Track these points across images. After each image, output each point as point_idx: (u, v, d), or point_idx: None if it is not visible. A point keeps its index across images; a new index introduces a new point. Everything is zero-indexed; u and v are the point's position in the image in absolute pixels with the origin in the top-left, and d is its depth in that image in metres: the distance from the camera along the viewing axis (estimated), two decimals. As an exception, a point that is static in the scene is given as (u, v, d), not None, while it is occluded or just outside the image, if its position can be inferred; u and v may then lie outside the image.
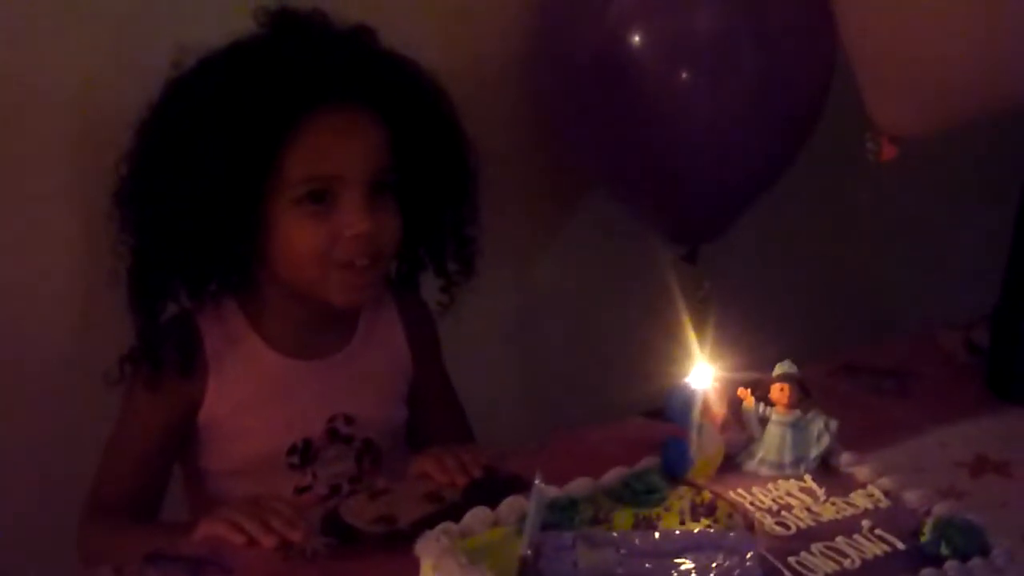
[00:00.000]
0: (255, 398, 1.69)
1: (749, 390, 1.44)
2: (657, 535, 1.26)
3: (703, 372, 1.39)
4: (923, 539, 1.28)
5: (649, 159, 2.10)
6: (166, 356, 1.65)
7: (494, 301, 1.85)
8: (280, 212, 1.60)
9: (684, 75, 2.03)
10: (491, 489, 1.44)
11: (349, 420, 1.72)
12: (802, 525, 1.31)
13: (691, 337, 1.42)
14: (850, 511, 1.35)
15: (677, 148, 2.07)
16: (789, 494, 1.37)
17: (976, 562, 1.25)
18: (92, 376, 1.68)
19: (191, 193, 1.57)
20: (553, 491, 1.32)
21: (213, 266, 1.66)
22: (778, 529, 1.31)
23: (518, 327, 2.35)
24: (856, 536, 1.29)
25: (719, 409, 1.40)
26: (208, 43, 1.62)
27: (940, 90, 1.67)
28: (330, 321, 1.71)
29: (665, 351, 1.44)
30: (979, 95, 1.66)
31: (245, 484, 1.66)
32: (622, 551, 1.23)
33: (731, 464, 1.43)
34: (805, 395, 1.43)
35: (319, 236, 1.60)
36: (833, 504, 1.36)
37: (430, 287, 1.80)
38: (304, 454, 1.70)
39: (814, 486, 1.39)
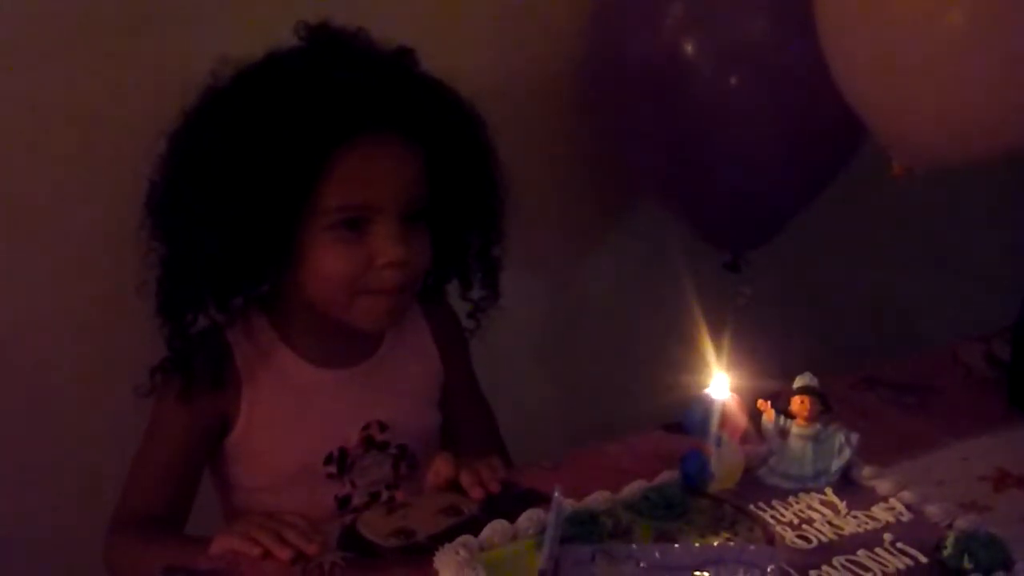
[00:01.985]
0: (289, 410, 1.69)
1: (769, 402, 1.43)
2: (677, 548, 1.26)
3: (723, 384, 1.38)
4: (945, 553, 1.27)
5: (699, 166, 2.11)
6: (198, 369, 1.64)
7: (528, 309, 1.85)
8: (313, 236, 1.59)
9: (734, 83, 2.03)
10: (509, 502, 1.44)
11: (383, 427, 1.72)
12: (823, 539, 1.31)
13: (716, 349, 1.41)
14: (872, 525, 1.34)
15: (727, 155, 2.07)
16: (810, 507, 1.37)
17: (999, 576, 1.25)
18: (120, 386, 1.68)
19: (225, 209, 1.56)
20: (572, 504, 1.32)
21: (241, 281, 1.66)
22: (799, 543, 1.30)
23: (554, 336, 2.36)
24: (878, 550, 1.29)
25: (739, 421, 1.39)
26: (247, 53, 1.61)
27: (940, 133, 1.67)
28: (358, 331, 1.71)
29: (692, 361, 1.43)
30: (983, 141, 1.66)
31: (284, 497, 1.66)
32: (642, 565, 1.22)
33: (751, 477, 1.42)
34: (826, 408, 1.42)
35: (351, 263, 1.59)
36: (854, 518, 1.35)
37: (462, 308, 1.80)
38: (341, 463, 1.70)
39: (835, 499, 1.38)
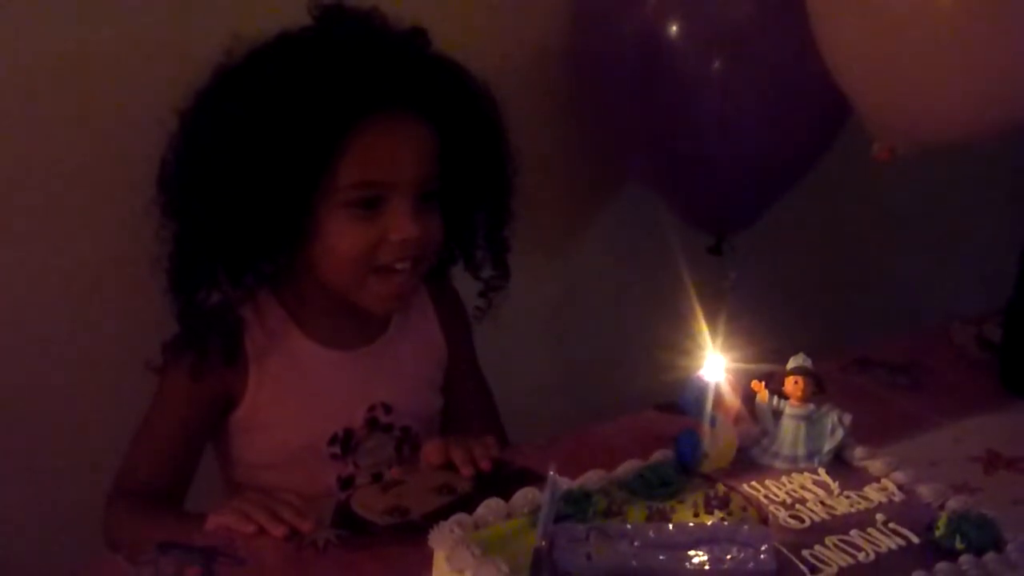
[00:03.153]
0: (296, 389, 1.69)
1: (763, 383, 1.43)
2: (671, 527, 1.26)
3: (717, 365, 1.38)
4: (937, 533, 1.27)
5: (682, 148, 2.11)
6: (210, 345, 1.64)
7: (524, 293, 1.85)
8: (327, 213, 1.59)
9: (718, 66, 2.03)
10: (503, 481, 1.44)
11: (388, 408, 1.72)
12: (816, 518, 1.31)
13: (707, 330, 1.41)
14: (864, 505, 1.34)
15: (710, 137, 2.07)
16: (803, 487, 1.37)
17: (990, 556, 1.25)
18: (131, 362, 1.69)
19: (241, 186, 1.56)
20: (567, 483, 1.32)
21: (254, 258, 1.66)
22: (792, 522, 1.30)
23: (549, 319, 2.36)
24: (870, 530, 1.29)
25: (733, 402, 1.40)
26: (261, 33, 1.61)
27: (924, 114, 1.68)
28: (367, 312, 1.71)
29: (683, 343, 1.44)
30: (965, 120, 1.66)
31: (287, 475, 1.67)
32: (636, 543, 1.23)
33: (745, 457, 1.42)
34: (819, 389, 1.42)
35: (365, 239, 1.60)
36: (847, 498, 1.35)
37: (467, 292, 1.80)
38: (345, 444, 1.70)
39: (828, 479, 1.38)
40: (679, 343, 1.46)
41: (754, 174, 2.16)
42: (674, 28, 2.04)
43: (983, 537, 1.27)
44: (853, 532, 1.28)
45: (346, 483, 1.70)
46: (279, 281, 1.70)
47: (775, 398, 1.43)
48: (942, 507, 1.33)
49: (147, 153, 1.63)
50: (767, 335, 1.47)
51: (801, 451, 1.42)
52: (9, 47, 1.76)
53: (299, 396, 1.69)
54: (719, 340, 1.40)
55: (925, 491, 1.37)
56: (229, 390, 1.68)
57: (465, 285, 1.81)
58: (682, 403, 1.38)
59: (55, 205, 1.84)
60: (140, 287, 1.68)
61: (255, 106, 1.56)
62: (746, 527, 1.26)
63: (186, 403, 1.67)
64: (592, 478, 1.36)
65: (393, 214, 1.59)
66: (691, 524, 1.28)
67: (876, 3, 1.66)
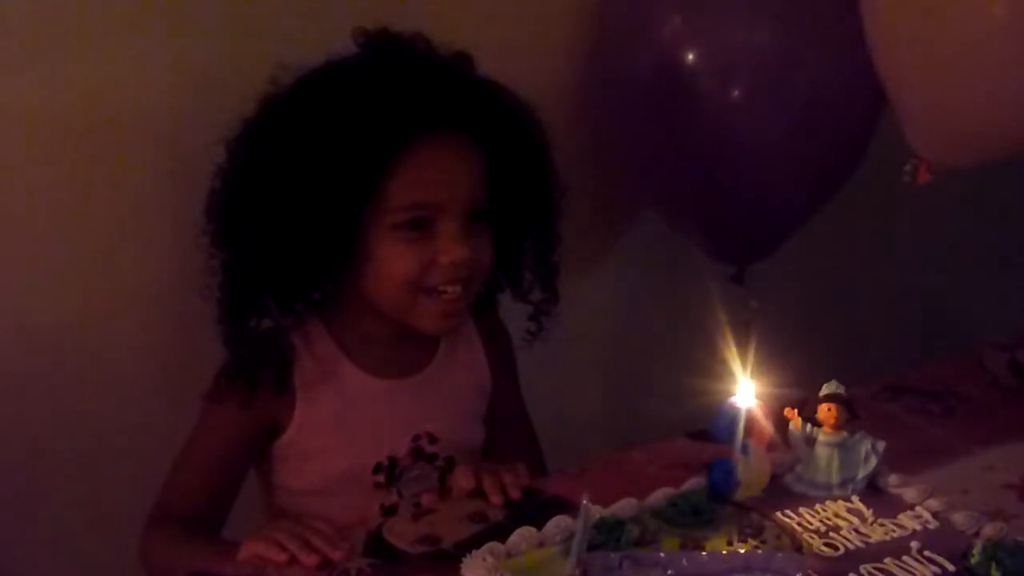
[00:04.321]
0: (342, 417, 1.69)
1: (796, 410, 1.43)
2: (704, 555, 1.26)
3: (748, 392, 1.38)
4: (973, 561, 1.27)
5: (700, 178, 2.10)
6: (262, 373, 1.65)
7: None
8: (378, 236, 1.59)
9: (737, 94, 2.03)
10: (535, 509, 1.44)
11: (432, 439, 1.72)
12: (850, 546, 1.31)
13: (736, 357, 1.41)
14: (899, 532, 1.34)
15: (729, 168, 2.07)
16: (837, 515, 1.37)
17: (1027, 584, 1.24)
18: (170, 387, 1.72)
19: (291, 213, 1.56)
20: (599, 511, 1.32)
21: (305, 284, 1.66)
22: (826, 550, 1.30)
23: (575, 347, 2.35)
24: (905, 558, 1.29)
25: (765, 429, 1.39)
26: (307, 61, 1.62)
27: (975, 127, 1.66)
28: (414, 340, 1.71)
29: (711, 371, 1.43)
30: (1015, 133, 1.65)
31: (330, 503, 1.67)
32: (669, 572, 1.22)
33: (778, 485, 1.42)
34: (852, 415, 1.42)
35: (415, 262, 1.60)
36: (881, 525, 1.35)
37: (516, 316, 1.80)
38: (389, 473, 1.70)
39: (862, 507, 1.38)
40: (707, 371, 1.46)
41: (770, 205, 2.15)
42: (693, 54, 2.04)
43: (1018, 564, 1.26)
44: (887, 560, 1.28)
45: (388, 512, 1.68)
46: (327, 309, 1.71)
47: (808, 425, 1.43)
48: (977, 534, 1.33)
49: (197, 182, 1.64)
50: (793, 363, 1.47)
51: (835, 479, 1.41)
52: (61, 80, 1.77)
53: (345, 424, 1.69)
54: (748, 367, 1.40)
55: (960, 518, 1.36)
56: (275, 417, 1.67)
57: (509, 312, 1.81)
58: (714, 430, 1.38)
59: (105, 237, 1.85)
60: (188, 316, 1.68)
61: (304, 132, 1.57)
62: (780, 555, 1.26)
63: (231, 430, 1.67)
64: (624, 506, 1.36)
65: (443, 236, 1.60)
66: (725, 552, 1.27)
67: (932, 13, 1.65)
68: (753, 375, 1.40)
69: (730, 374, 1.40)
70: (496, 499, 1.52)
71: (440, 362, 1.75)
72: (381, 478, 1.70)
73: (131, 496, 1.71)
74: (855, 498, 1.40)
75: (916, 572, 1.27)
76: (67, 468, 1.88)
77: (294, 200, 1.56)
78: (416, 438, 1.71)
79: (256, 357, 1.64)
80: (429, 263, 1.60)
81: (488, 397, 1.80)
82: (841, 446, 1.41)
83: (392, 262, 1.60)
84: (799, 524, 1.35)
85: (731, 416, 1.37)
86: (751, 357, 1.42)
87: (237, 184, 1.61)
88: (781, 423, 1.43)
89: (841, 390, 1.43)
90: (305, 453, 1.69)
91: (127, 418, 1.91)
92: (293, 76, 1.62)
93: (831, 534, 1.33)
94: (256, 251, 1.59)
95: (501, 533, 1.32)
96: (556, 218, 1.73)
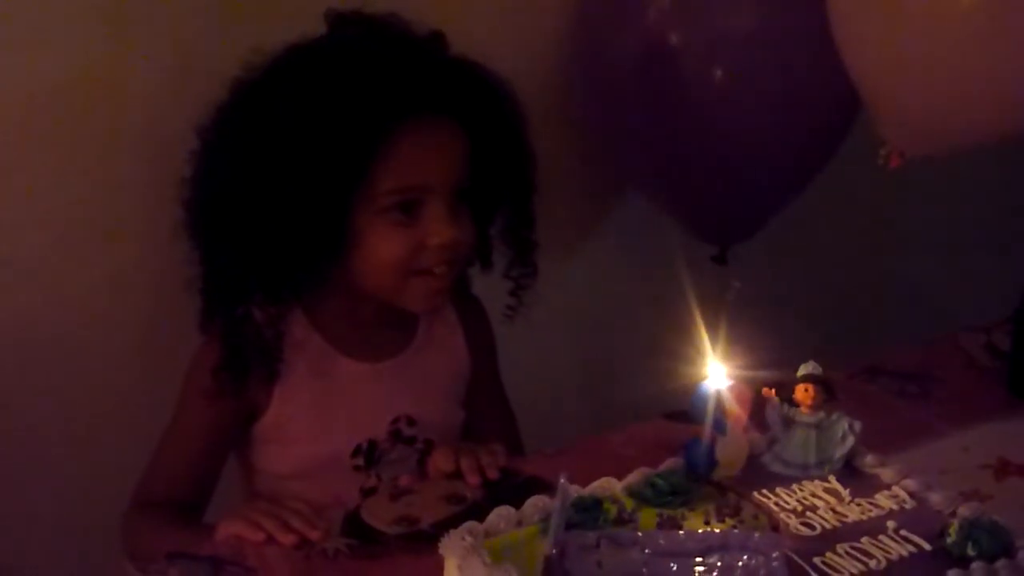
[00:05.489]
0: (320, 400, 1.69)
1: (773, 391, 1.43)
2: (682, 535, 1.26)
3: (726, 372, 1.38)
4: (949, 540, 1.27)
5: (684, 158, 2.11)
6: (250, 360, 1.64)
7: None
8: (365, 221, 1.59)
9: (721, 75, 2.03)
10: (513, 489, 1.44)
11: (411, 421, 1.72)
12: (827, 526, 1.31)
13: (715, 338, 1.41)
14: (875, 512, 1.34)
15: (712, 147, 2.07)
16: (814, 495, 1.37)
17: (1002, 563, 1.25)
18: (150, 372, 1.73)
19: (280, 200, 1.55)
20: (577, 491, 1.32)
21: (292, 272, 1.64)
22: (803, 530, 1.30)
23: (554, 327, 2.35)
24: (882, 537, 1.29)
25: (742, 410, 1.39)
26: (280, 45, 1.61)
27: (942, 119, 1.67)
28: (392, 323, 1.72)
29: (688, 352, 1.43)
30: (979, 125, 1.65)
31: (308, 486, 1.67)
32: (647, 551, 1.22)
33: (755, 465, 1.42)
34: (830, 396, 1.42)
35: (404, 245, 1.60)
36: (858, 505, 1.35)
37: (498, 292, 1.80)
38: (368, 456, 1.70)
39: (839, 487, 1.38)
40: (686, 351, 1.45)
41: (758, 183, 2.15)
42: (677, 34, 2.04)
43: (994, 544, 1.26)
44: (864, 539, 1.28)
45: (368, 494, 1.68)
46: (305, 293, 1.70)
47: (785, 405, 1.43)
48: (953, 514, 1.33)
49: (173, 170, 1.64)
50: (773, 343, 1.47)
51: (812, 458, 1.41)
52: (35, 67, 1.76)
53: (323, 407, 1.69)
54: (726, 348, 1.40)
55: (936, 498, 1.36)
56: (254, 401, 1.67)
57: (491, 290, 1.81)
58: (691, 411, 1.38)
59: (80, 225, 1.85)
60: (166, 303, 1.69)
61: (286, 119, 1.55)
62: (757, 534, 1.25)
63: (211, 414, 1.67)
64: (602, 486, 1.36)
65: (430, 218, 1.60)
66: (702, 532, 1.27)
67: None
68: (732, 356, 1.40)
69: (709, 355, 1.40)
70: (474, 479, 1.53)
71: (418, 345, 1.75)
72: (360, 461, 1.70)
73: (117, 485, 1.72)
74: (832, 478, 1.40)
75: (893, 551, 1.27)
76: (51, 459, 1.89)
77: (282, 187, 1.55)
78: (395, 421, 1.71)
79: (241, 343, 1.63)
80: (418, 246, 1.60)
81: (466, 380, 1.81)
82: (818, 426, 1.41)
83: (381, 246, 1.60)
84: (776, 504, 1.35)
85: (708, 397, 1.37)
86: (730, 338, 1.42)
87: (218, 173, 1.60)
88: (759, 403, 1.43)
89: (819, 371, 1.43)
90: (284, 436, 1.68)
91: (112, 406, 1.92)
92: (265, 61, 1.60)
93: (808, 514, 1.33)
94: (242, 239, 1.58)
95: (479, 513, 1.32)
96: (533, 193, 1.73)
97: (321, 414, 1.69)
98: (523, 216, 1.74)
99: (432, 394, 1.76)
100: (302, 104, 1.55)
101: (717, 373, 1.38)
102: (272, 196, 1.55)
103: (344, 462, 1.69)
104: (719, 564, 1.21)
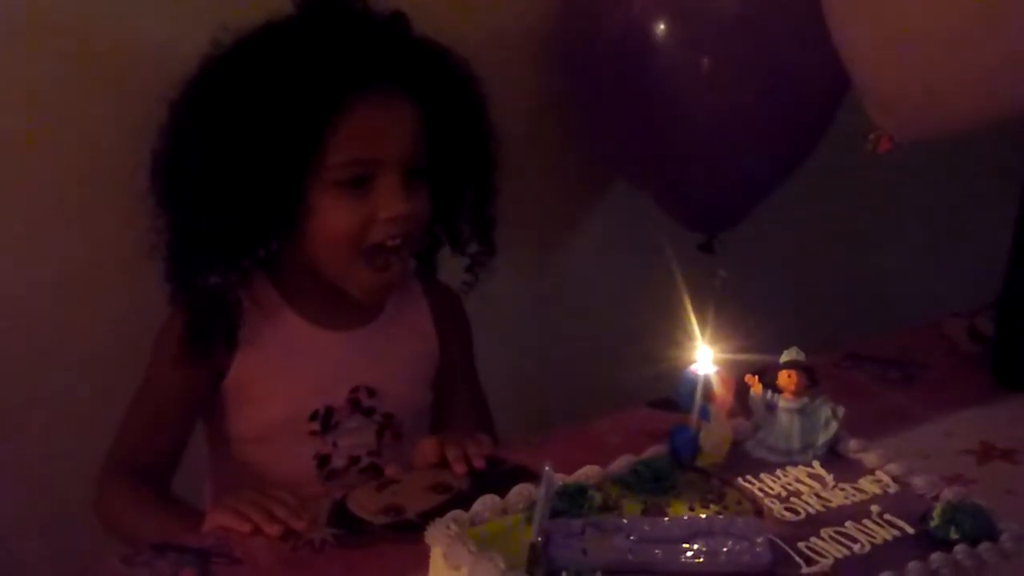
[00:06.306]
0: (281, 363, 1.71)
1: (756, 377, 1.43)
2: (666, 521, 1.26)
3: (709, 359, 1.38)
4: (932, 524, 1.27)
5: (669, 146, 2.11)
6: (211, 327, 1.66)
7: (513, 289, 1.87)
8: (318, 194, 1.62)
9: (705, 63, 2.04)
10: (498, 478, 1.45)
11: (371, 392, 1.73)
12: (811, 511, 1.31)
13: (699, 325, 1.41)
14: (859, 497, 1.34)
15: (697, 135, 2.08)
16: (798, 480, 1.37)
17: (985, 546, 1.25)
18: (130, 357, 1.71)
19: (234, 172, 1.58)
20: (562, 479, 1.32)
21: (249, 242, 1.69)
22: (787, 515, 1.30)
23: (539, 315, 2.36)
24: (865, 521, 1.29)
25: (726, 396, 1.40)
26: (247, 23, 1.63)
27: (933, 104, 1.67)
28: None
29: (674, 340, 1.44)
30: (972, 108, 1.65)
31: (267, 450, 1.70)
32: (632, 537, 1.22)
33: (739, 451, 1.42)
34: (813, 382, 1.42)
35: (356, 218, 1.62)
36: (842, 490, 1.35)
37: (455, 268, 1.82)
38: (325, 421, 1.72)
39: (823, 472, 1.38)
40: (670, 339, 1.46)
41: (743, 171, 2.16)
42: (661, 24, 2.04)
43: (977, 527, 1.27)
44: (848, 524, 1.28)
45: (322, 461, 1.72)
46: (272, 263, 1.73)
47: (769, 391, 1.43)
48: (936, 498, 1.33)
49: (139, 146, 1.65)
50: (758, 330, 1.47)
51: (795, 444, 1.42)
52: (5, 47, 1.77)
53: (284, 370, 1.71)
54: (710, 335, 1.40)
55: (920, 482, 1.37)
56: (219, 365, 1.69)
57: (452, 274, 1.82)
58: (675, 398, 1.38)
59: (48, 202, 1.86)
60: (137, 280, 1.70)
61: (244, 92, 1.58)
62: (741, 520, 1.26)
63: (178, 379, 1.69)
64: (587, 474, 1.36)
65: (382, 192, 1.61)
66: (686, 517, 1.28)
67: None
68: (715, 342, 1.40)
69: (692, 342, 1.40)
70: (459, 468, 1.53)
71: (385, 319, 1.77)
72: (317, 426, 1.72)
73: (89, 473, 1.71)
74: (816, 463, 1.40)
75: (877, 535, 1.27)
76: (18, 444, 1.89)
77: (235, 160, 1.58)
78: (354, 390, 1.73)
79: (203, 311, 1.66)
80: (369, 219, 1.62)
81: (435, 362, 1.82)
82: (802, 412, 1.42)
83: (332, 219, 1.62)
84: (760, 489, 1.35)
85: (691, 383, 1.37)
86: (715, 325, 1.42)
87: (180, 145, 1.63)
88: (742, 390, 1.43)
89: (801, 357, 1.43)
90: (246, 398, 1.71)
91: (76, 392, 1.93)
92: (233, 38, 1.63)
93: (792, 499, 1.33)
94: (200, 210, 1.60)
95: (465, 502, 1.31)
96: (493, 171, 1.74)
97: (281, 377, 1.71)
98: (483, 194, 1.75)
99: (394, 369, 1.77)
100: (259, 75, 1.59)
101: (702, 360, 1.38)
102: (229, 166, 1.58)
103: (301, 426, 1.71)
104: (704, 549, 1.21)
